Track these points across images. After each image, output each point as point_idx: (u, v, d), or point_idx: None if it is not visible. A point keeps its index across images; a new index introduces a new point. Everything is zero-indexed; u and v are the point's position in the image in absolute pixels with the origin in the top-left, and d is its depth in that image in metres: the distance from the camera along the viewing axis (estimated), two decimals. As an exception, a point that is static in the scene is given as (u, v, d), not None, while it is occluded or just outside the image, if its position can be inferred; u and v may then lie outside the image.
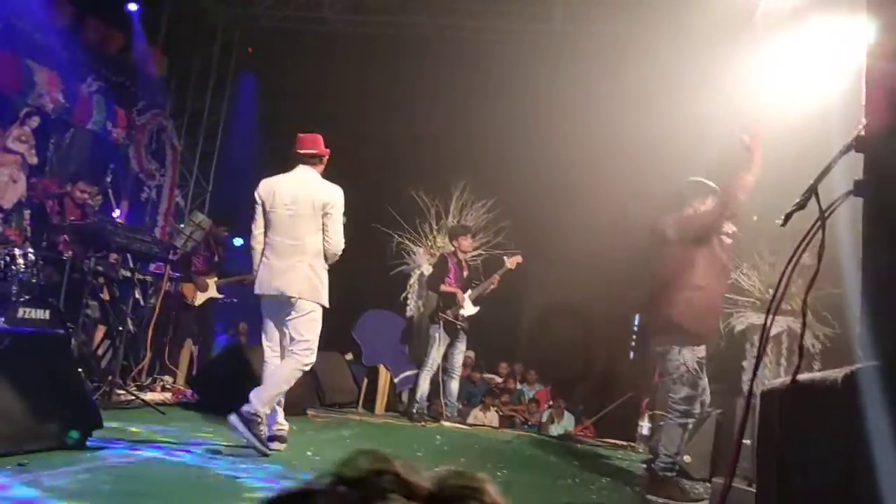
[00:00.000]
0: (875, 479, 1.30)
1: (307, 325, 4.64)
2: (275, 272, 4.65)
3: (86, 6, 8.62)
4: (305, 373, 4.79)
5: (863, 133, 2.03)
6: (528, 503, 3.97)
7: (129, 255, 6.68)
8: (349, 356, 8.80)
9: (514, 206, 9.28)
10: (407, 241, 9.26)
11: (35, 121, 7.96)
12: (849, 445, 1.43)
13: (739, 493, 3.38)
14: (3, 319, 4.77)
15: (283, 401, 4.73)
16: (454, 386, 7.78)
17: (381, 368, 8.31)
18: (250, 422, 4.33)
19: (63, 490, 3.03)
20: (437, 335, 7.52)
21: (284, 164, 5.00)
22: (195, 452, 4.22)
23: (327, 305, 4.77)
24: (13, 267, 5.32)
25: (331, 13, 10.32)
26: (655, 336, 4.79)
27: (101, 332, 6.78)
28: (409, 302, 9.10)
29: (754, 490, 2.44)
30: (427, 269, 8.74)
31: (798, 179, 2.20)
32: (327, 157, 4.90)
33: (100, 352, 6.69)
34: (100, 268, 6.40)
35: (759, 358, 2.34)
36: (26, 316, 4.35)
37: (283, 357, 4.70)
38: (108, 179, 7.68)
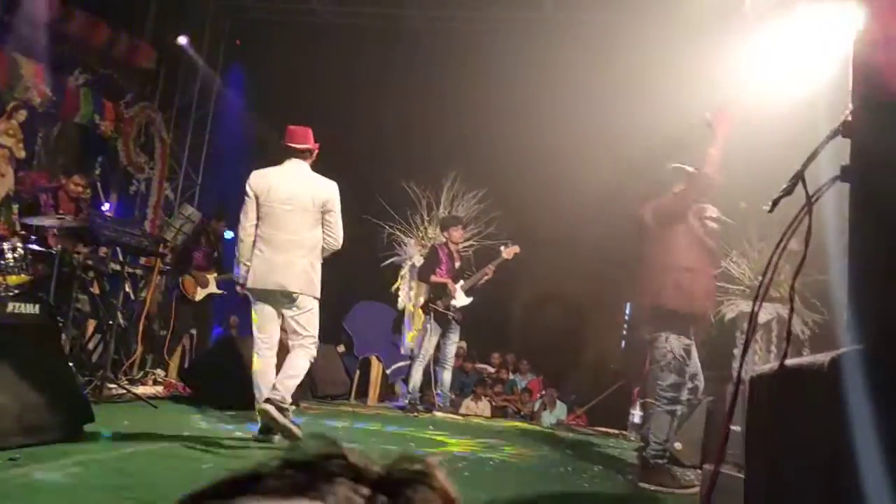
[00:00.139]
0: (858, 463, 1.31)
1: (311, 320, 4.76)
2: (273, 266, 4.65)
3: (72, -2, 8.54)
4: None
5: (849, 119, 2.04)
6: (522, 492, 3.99)
7: (118, 249, 6.65)
8: (341, 348, 8.81)
9: (506, 197, 9.29)
10: (398, 233, 9.27)
11: (22, 114, 7.89)
12: (834, 429, 1.44)
13: (730, 480, 3.40)
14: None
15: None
16: (446, 376, 7.80)
17: (374, 360, 8.32)
18: (282, 409, 4.46)
19: (55, 484, 3.03)
20: (428, 326, 7.53)
21: (274, 156, 4.99)
22: (187, 446, 4.22)
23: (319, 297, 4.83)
24: (2, 261, 5.29)
25: (319, 4, 10.27)
26: (645, 324, 4.81)
27: (91, 326, 6.76)
28: (400, 293, 9.10)
29: (744, 476, 2.46)
30: (418, 261, 8.75)
31: (787, 167, 2.21)
32: (317, 150, 4.91)
33: (90, 346, 6.67)
34: (89, 262, 6.37)
35: (746, 344, 2.35)
36: (16, 310, 4.32)
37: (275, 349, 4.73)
38: (97, 172, 7.64)
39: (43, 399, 3.79)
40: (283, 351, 4.84)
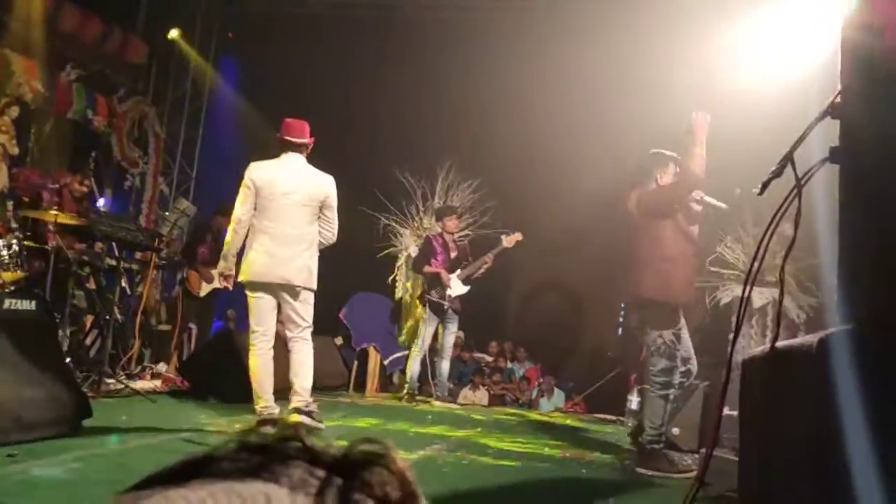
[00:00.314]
0: (845, 442, 1.32)
1: (309, 311, 4.84)
2: (277, 260, 4.66)
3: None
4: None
5: (838, 100, 2.04)
6: (519, 478, 4.01)
7: (114, 244, 6.65)
8: (339, 340, 8.82)
9: (501, 186, 9.29)
10: (394, 223, 9.26)
11: (15, 111, 7.87)
12: (822, 409, 1.45)
13: (725, 463, 3.43)
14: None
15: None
16: (445, 366, 7.81)
17: (371, 351, 8.33)
18: (311, 413, 4.67)
19: (54, 480, 3.03)
20: (424, 316, 7.54)
21: (268, 148, 4.98)
22: (186, 439, 4.23)
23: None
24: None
25: (311, -4, 10.23)
26: (630, 313, 4.85)
27: (88, 321, 6.76)
28: (397, 284, 9.11)
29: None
30: (414, 251, 8.75)
31: (782, 151, 2.22)
32: (312, 144, 4.91)
33: (88, 341, 6.68)
34: (85, 257, 6.37)
35: (737, 328, 2.36)
36: (12, 307, 4.33)
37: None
38: (91, 168, 7.62)
39: (41, 395, 3.79)
40: (278, 342, 4.85)
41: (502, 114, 9.59)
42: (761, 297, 6.50)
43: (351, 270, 9.59)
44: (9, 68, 7.84)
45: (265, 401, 4.66)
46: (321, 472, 0.45)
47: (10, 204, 7.13)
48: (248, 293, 4.76)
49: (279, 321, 4.86)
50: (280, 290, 4.72)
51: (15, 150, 7.80)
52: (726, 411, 3.22)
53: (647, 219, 4.62)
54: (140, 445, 3.97)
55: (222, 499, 0.43)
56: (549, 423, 7.21)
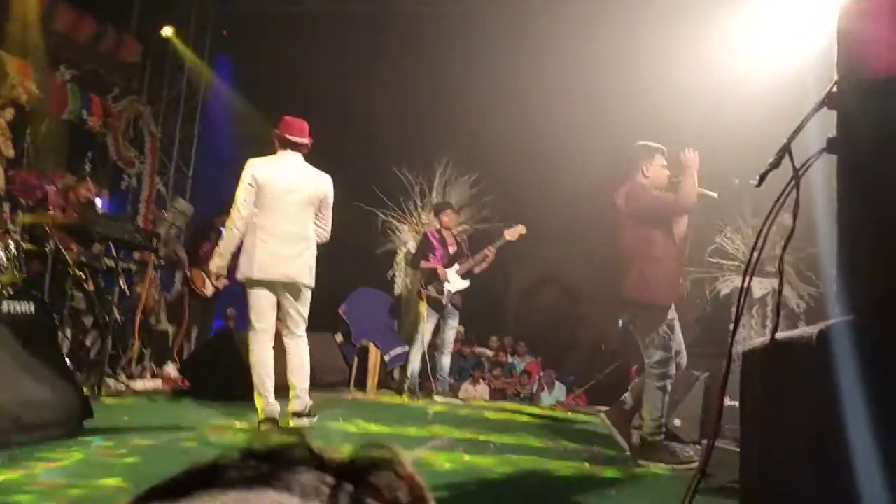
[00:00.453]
0: (846, 433, 1.32)
1: (307, 309, 4.89)
2: (281, 258, 4.66)
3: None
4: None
5: (835, 90, 2.04)
6: (521, 470, 4.02)
7: (112, 245, 6.63)
8: (339, 337, 8.81)
9: (498, 180, 9.28)
10: (392, 219, 9.25)
11: (10, 113, 7.83)
12: (822, 401, 1.45)
13: (727, 454, 3.43)
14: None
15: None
16: (445, 362, 7.80)
17: (372, 347, 8.33)
18: (309, 413, 4.75)
19: (55, 481, 3.03)
20: (424, 312, 7.54)
21: (264, 146, 4.96)
22: (187, 439, 4.23)
23: None
24: (-6, 261, 5.27)
25: (306, -8, 10.20)
26: (618, 309, 4.88)
27: (88, 322, 6.74)
28: (396, 280, 9.11)
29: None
30: (413, 247, 8.74)
31: (777, 141, 2.21)
32: (310, 144, 4.91)
33: (88, 342, 6.67)
34: (83, 258, 6.36)
35: (737, 318, 2.36)
36: (11, 309, 4.32)
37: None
38: (87, 168, 7.60)
39: (41, 396, 3.79)
40: (276, 339, 4.85)
41: (499, 109, 9.58)
42: (761, 287, 6.51)
43: (350, 267, 9.57)
44: (3, 70, 7.81)
45: (266, 399, 4.66)
46: (330, 479, 0.45)
47: (6, 206, 7.11)
48: (250, 290, 4.75)
49: (277, 318, 4.86)
50: (283, 287, 4.72)
51: (11, 153, 7.76)
52: (727, 402, 3.22)
53: (633, 219, 4.63)
54: (141, 446, 3.96)
55: None
56: (550, 416, 7.22)
